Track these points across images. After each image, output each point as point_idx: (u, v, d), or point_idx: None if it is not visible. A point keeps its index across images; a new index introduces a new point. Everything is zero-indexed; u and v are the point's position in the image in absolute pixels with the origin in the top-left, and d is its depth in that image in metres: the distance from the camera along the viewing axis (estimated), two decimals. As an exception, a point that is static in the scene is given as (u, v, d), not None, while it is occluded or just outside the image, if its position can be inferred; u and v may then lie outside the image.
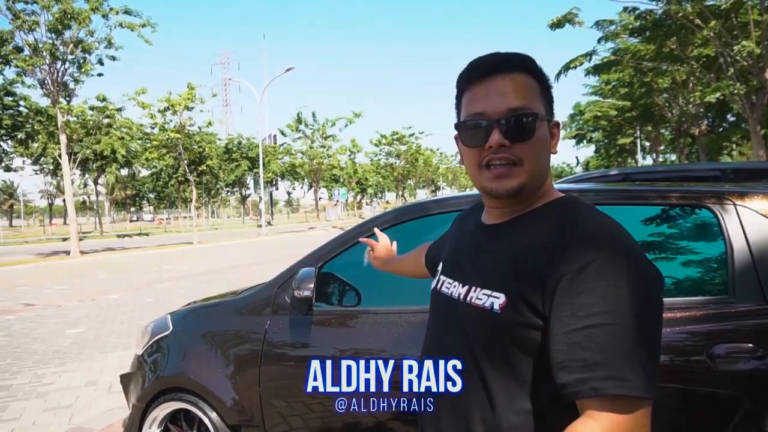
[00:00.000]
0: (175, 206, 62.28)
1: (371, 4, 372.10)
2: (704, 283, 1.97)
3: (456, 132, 1.05)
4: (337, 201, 55.21)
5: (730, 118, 26.17)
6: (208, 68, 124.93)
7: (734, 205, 1.93)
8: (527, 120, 0.94)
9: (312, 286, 2.26)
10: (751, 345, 1.74)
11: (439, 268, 1.15)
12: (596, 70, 20.20)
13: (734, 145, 29.69)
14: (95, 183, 47.18)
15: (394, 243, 1.83)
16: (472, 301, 0.96)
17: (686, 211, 2.07)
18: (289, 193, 72.05)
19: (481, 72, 0.98)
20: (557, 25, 15.94)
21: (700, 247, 2.01)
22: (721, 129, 27.10)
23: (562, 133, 43.22)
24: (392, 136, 44.78)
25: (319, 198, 42.04)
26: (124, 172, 47.59)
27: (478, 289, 0.96)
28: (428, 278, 1.48)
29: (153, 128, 24.23)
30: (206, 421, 2.56)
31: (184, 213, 66.50)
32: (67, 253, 20.41)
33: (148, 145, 26.63)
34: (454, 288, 1.04)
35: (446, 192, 73.29)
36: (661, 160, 35.34)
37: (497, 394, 0.91)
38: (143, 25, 18.91)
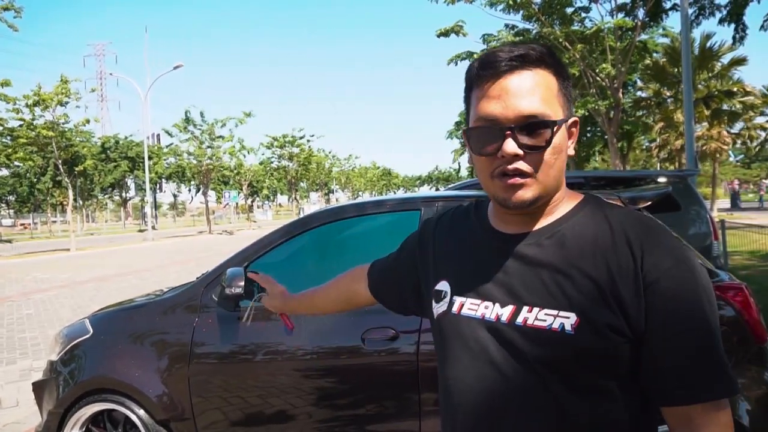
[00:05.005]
0: (41, 210, 56.54)
1: (259, 4, 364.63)
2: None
3: (465, 131, 0.96)
4: (227, 204, 53.49)
5: (590, 130, 29.31)
6: (79, 59, 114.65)
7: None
8: (544, 129, 0.87)
9: (242, 284, 2.46)
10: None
11: (446, 288, 1.01)
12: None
13: (597, 154, 33.29)
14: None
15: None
16: (529, 322, 0.88)
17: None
18: (175, 196, 68.32)
19: (494, 68, 0.88)
20: (444, 34, 17.07)
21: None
22: (585, 138, 30.25)
23: (455, 141, 45.30)
24: (284, 138, 44.37)
25: (207, 201, 40.45)
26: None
27: (537, 309, 0.88)
28: (351, 308, 1.42)
29: (19, 124, 21.90)
30: (134, 418, 2.65)
31: (53, 217, 60.50)
32: None
33: (10, 142, 23.78)
34: (486, 309, 0.93)
35: (339, 195, 73.85)
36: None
37: (571, 409, 0.86)
38: (5, 9, 17.21)
